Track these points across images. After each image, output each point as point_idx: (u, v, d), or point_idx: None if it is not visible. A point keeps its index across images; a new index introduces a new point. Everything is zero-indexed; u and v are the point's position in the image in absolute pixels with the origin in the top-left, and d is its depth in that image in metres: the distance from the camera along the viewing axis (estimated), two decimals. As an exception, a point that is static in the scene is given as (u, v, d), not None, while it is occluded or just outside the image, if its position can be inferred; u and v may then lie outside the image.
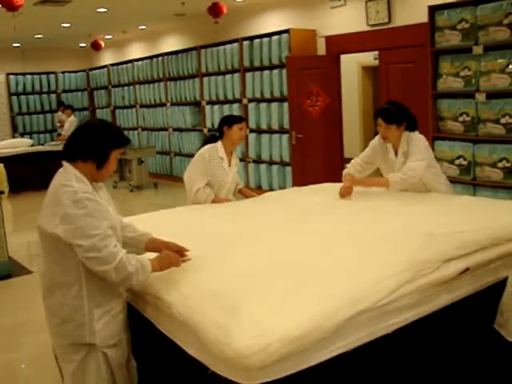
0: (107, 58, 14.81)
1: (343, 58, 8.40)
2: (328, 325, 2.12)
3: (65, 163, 2.46)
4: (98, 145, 2.44)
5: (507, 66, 5.62)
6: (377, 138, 4.28)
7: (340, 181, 4.35)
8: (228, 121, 4.39)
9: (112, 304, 2.51)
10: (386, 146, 4.18)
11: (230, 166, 4.42)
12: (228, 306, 2.19)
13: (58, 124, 13.21)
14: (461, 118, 6.02)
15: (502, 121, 5.65)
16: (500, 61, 5.67)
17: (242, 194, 4.69)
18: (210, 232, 3.22)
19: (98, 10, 9.44)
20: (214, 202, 4.31)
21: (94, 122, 2.60)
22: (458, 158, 6.03)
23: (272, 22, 9.35)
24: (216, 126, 4.48)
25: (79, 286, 2.41)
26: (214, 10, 8.68)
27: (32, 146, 11.89)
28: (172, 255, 2.60)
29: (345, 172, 4.39)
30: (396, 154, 4.11)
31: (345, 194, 4.07)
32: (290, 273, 2.47)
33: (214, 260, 2.66)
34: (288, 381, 2.07)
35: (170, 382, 2.65)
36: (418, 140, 3.99)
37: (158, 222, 3.47)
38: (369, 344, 2.32)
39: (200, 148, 4.47)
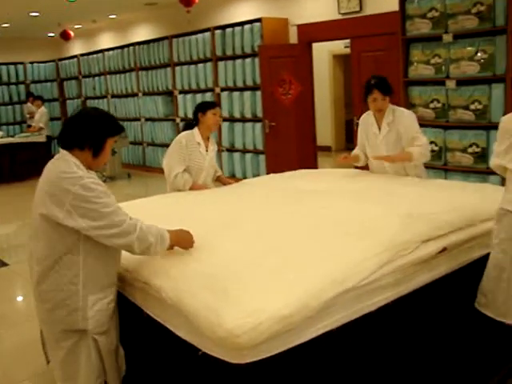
0: (77, 47, 14.63)
1: (314, 46, 8.48)
2: (314, 304, 2.20)
3: (62, 151, 2.49)
4: (94, 133, 2.48)
5: (476, 53, 5.76)
6: (361, 119, 4.50)
7: (314, 167, 4.50)
8: (202, 107, 4.48)
9: (106, 292, 2.55)
10: (369, 121, 4.38)
11: (207, 151, 4.49)
12: (216, 288, 2.26)
13: (28, 115, 13.00)
14: (432, 105, 6.16)
15: (472, 107, 5.80)
16: (469, 48, 5.81)
17: (220, 181, 4.76)
18: (193, 217, 3.25)
19: (68, -2, 9.33)
20: (192, 189, 4.37)
21: (88, 110, 2.63)
22: (430, 143, 6.14)
23: (244, 11, 9.37)
24: (189, 115, 4.56)
25: (76, 271, 2.44)
26: (186, 0, 8.66)
27: (1, 137, 11.73)
28: (189, 235, 2.69)
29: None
30: (379, 127, 4.29)
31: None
32: (274, 255, 2.53)
33: (200, 244, 2.70)
34: (276, 360, 2.15)
35: (159, 366, 2.70)
36: (410, 114, 4.24)
37: (139, 210, 3.48)
38: (354, 322, 2.41)
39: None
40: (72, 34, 12.51)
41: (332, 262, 2.44)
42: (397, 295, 2.61)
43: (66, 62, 14.39)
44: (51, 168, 2.46)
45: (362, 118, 4.49)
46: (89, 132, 2.47)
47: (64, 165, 2.42)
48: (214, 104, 4.58)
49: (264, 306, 2.10)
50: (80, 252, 2.43)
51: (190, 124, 4.56)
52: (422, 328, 2.82)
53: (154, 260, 2.61)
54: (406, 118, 4.15)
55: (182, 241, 2.66)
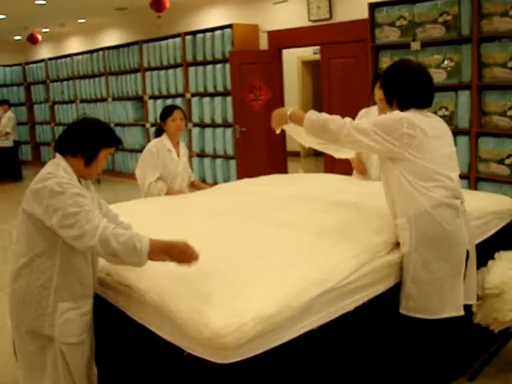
0: (45, 51, 14.45)
1: (283, 52, 8.59)
2: (296, 304, 2.26)
3: (57, 155, 2.52)
4: (87, 141, 2.50)
5: (443, 61, 5.94)
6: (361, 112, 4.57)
7: (284, 172, 4.55)
8: (161, 117, 4.52)
9: (79, 303, 2.53)
10: (370, 112, 4.46)
11: (178, 156, 4.53)
12: (200, 290, 2.30)
13: (-7, 120, 12.83)
14: (400, 111, 6.29)
15: (440, 113, 5.96)
16: (436, 56, 5.99)
17: (195, 186, 4.80)
18: (172, 222, 3.30)
19: (37, 2, 9.24)
20: (167, 194, 4.39)
21: (87, 119, 2.65)
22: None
23: (215, 17, 9.44)
24: (159, 120, 4.58)
25: (50, 276, 2.44)
26: (157, 5, 8.66)
27: (-33, 142, 11.53)
28: (189, 248, 2.39)
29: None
30: None
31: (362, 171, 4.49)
32: (255, 257, 2.59)
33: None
34: (259, 359, 2.20)
35: (142, 369, 2.69)
36: None
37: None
38: (333, 321, 2.49)
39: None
40: (40, 37, 12.37)
41: (312, 263, 2.51)
42: (373, 295, 2.70)
43: (34, 65, 14.20)
44: (43, 169, 2.49)
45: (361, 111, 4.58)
46: (82, 140, 2.50)
47: (52, 167, 2.45)
48: (171, 109, 4.51)
49: (248, 307, 2.15)
50: (57, 256, 2.43)
51: (161, 129, 4.59)
52: (395, 325, 2.91)
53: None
54: None
55: (175, 253, 2.36)
